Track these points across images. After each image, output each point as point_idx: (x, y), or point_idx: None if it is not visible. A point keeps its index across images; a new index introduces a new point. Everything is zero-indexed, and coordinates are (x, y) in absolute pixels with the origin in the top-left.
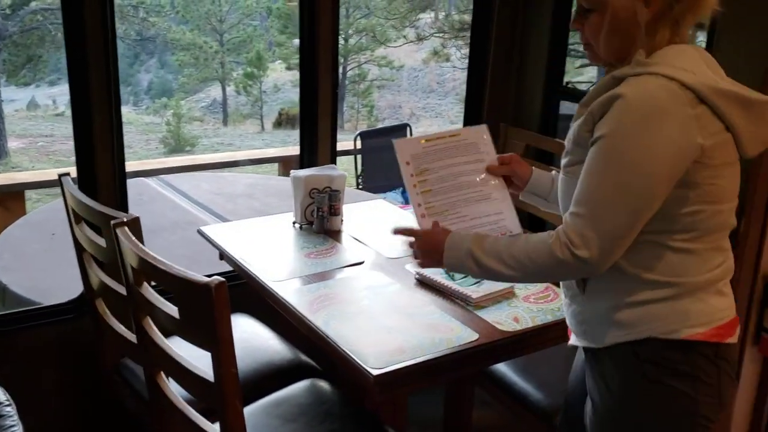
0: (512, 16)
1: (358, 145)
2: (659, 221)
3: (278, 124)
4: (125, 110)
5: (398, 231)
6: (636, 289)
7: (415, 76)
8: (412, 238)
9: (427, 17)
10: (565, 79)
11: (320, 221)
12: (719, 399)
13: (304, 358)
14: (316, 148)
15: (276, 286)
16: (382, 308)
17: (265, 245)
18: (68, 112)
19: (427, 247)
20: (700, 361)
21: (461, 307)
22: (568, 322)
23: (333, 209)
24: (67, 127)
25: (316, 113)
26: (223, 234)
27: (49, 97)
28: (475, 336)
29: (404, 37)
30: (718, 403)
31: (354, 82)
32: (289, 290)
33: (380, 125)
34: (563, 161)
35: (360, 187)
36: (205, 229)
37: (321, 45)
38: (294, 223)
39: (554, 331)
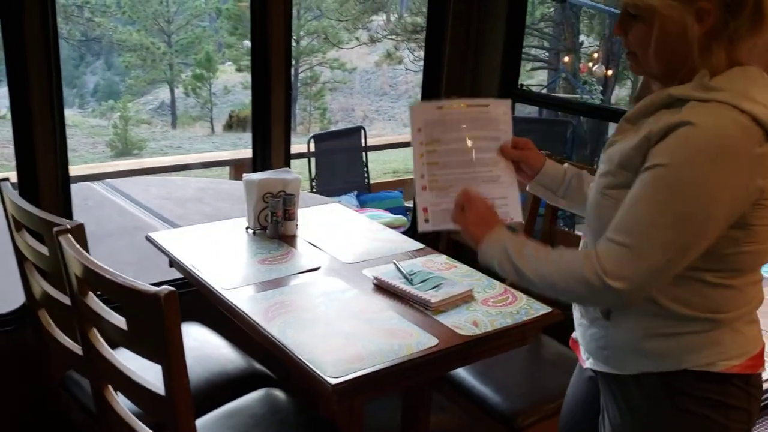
0: (467, 17)
1: (312, 148)
2: (703, 260)
3: (229, 126)
4: (70, 113)
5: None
6: (670, 322)
7: (368, 78)
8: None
9: (379, 19)
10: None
11: (274, 226)
12: (748, 424)
13: (258, 366)
14: (269, 151)
15: (229, 294)
16: (339, 314)
17: (217, 251)
18: (8, 115)
19: (479, 219)
20: (732, 390)
21: (420, 312)
22: (582, 344)
23: (287, 214)
24: (8, 131)
25: (269, 116)
26: (173, 240)
27: None
28: (434, 341)
29: (356, 39)
30: (747, 428)
31: (306, 85)
32: (242, 298)
33: (333, 128)
34: (602, 182)
35: (314, 190)
36: (154, 235)
37: (273, 47)
38: (247, 228)
39: (514, 335)
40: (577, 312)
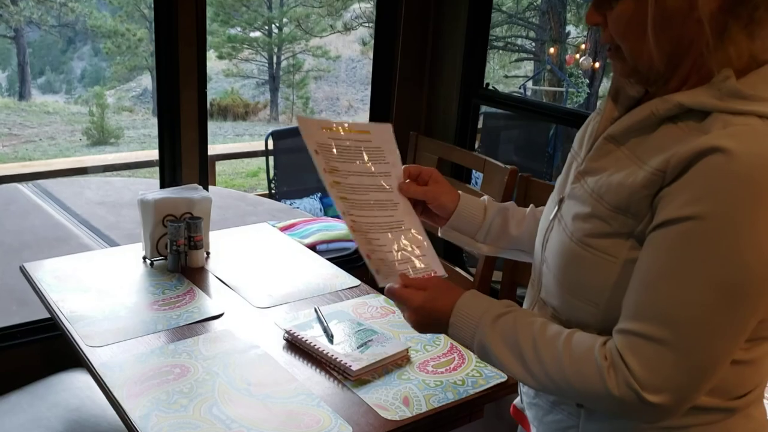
0: (423, 6)
1: (270, 146)
2: None
3: (209, 115)
4: (53, 99)
5: (391, 291)
6: None
7: (353, 67)
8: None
9: (357, 6)
10: (501, 73)
11: (175, 257)
12: None
13: None
14: (179, 163)
15: (93, 354)
16: (231, 389)
17: (101, 289)
18: None
19: (425, 319)
20: None
21: (337, 383)
22: (537, 427)
23: (193, 242)
24: None
25: (178, 122)
26: (53, 272)
27: None
28: (347, 430)
29: (330, 26)
30: None
31: (289, 73)
32: (111, 360)
33: (317, 117)
34: (580, 227)
35: (273, 192)
36: (29, 265)
37: (182, 34)
38: (145, 258)
39: (455, 413)
40: (525, 385)
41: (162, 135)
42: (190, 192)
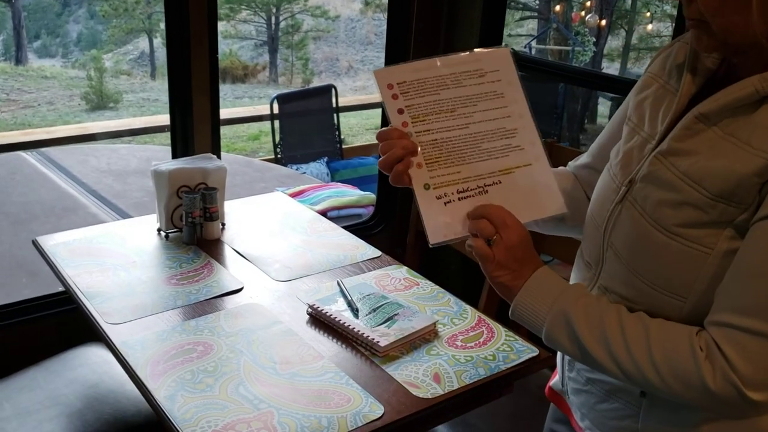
0: None
1: (276, 110)
2: None
3: None
4: (50, 63)
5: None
6: None
7: (353, 27)
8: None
9: None
10: (504, 32)
11: (191, 229)
12: None
13: None
14: (191, 133)
15: (113, 332)
16: (256, 367)
17: (117, 263)
18: None
19: (511, 255)
20: None
21: (366, 359)
22: (585, 414)
23: (208, 213)
24: None
25: (190, 89)
26: (66, 245)
27: None
28: (379, 410)
29: None
30: None
31: (287, 33)
32: (130, 338)
33: (316, 79)
34: (671, 215)
35: (279, 156)
36: (42, 239)
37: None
38: (159, 230)
39: (488, 389)
40: (573, 370)
41: (173, 104)
42: (204, 162)
